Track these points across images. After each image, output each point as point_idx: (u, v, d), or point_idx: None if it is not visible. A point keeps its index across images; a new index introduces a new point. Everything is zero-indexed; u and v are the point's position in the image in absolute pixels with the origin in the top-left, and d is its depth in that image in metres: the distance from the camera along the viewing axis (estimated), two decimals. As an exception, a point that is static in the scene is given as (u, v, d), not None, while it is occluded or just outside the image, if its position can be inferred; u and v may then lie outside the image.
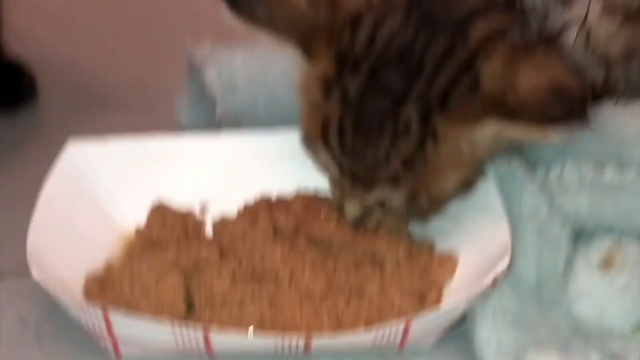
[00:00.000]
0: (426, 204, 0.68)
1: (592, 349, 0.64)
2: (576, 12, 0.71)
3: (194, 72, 0.85)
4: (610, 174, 0.73)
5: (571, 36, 0.71)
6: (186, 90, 0.87)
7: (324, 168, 0.69)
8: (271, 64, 0.83)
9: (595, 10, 0.71)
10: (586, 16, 0.71)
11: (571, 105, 0.60)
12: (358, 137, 0.65)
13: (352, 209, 0.69)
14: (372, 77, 0.64)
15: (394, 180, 0.66)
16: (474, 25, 0.64)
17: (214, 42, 0.85)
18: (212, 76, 0.83)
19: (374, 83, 0.64)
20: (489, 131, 0.63)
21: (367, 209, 0.69)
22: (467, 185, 0.69)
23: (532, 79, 0.61)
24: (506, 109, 0.61)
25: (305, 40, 0.65)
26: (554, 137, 0.62)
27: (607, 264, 0.70)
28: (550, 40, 0.68)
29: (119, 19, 1.15)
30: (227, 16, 0.66)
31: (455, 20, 0.64)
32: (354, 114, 0.64)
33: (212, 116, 0.82)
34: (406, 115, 0.63)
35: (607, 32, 0.72)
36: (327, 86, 0.65)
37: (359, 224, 0.71)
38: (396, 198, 0.67)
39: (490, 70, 0.62)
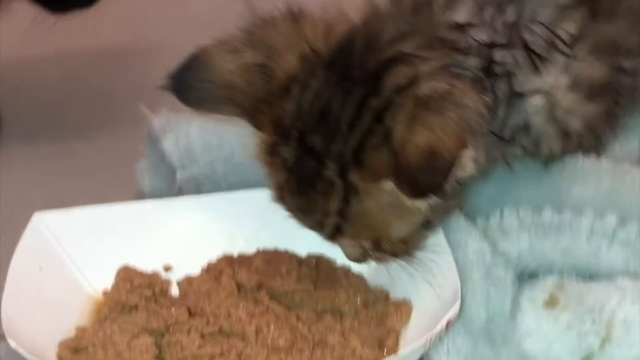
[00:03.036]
0: (397, 247, 0.71)
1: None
2: (545, 80, 0.73)
3: (153, 140, 0.88)
4: (548, 214, 0.77)
5: (537, 103, 0.73)
6: (146, 157, 0.89)
7: None
8: (227, 132, 0.86)
9: (562, 84, 0.73)
10: (554, 88, 0.73)
11: (435, 177, 0.62)
12: (302, 197, 0.69)
13: (351, 251, 0.73)
14: (301, 142, 0.67)
15: (340, 231, 0.69)
16: (389, 74, 0.65)
17: (170, 110, 0.88)
18: (169, 145, 0.86)
19: (303, 147, 0.67)
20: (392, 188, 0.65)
21: (364, 250, 0.72)
22: (430, 227, 0.72)
23: (418, 137, 0.62)
24: (397, 168, 0.63)
25: (250, 114, 0.69)
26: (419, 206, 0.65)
27: (551, 302, 0.73)
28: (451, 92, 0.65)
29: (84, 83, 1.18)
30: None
31: (371, 71, 0.66)
32: (294, 178, 0.68)
33: (172, 183, 0.85)
34: (328, 174, 0.67)
35: (571, 106, 0.74)
36: (270, 155, 0.69)
37: (361, 262, 0.74)
38: (365, 244, 0.71)
39: (399, 126, 0.64)
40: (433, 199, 0.64)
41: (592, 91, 0.74)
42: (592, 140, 0.80)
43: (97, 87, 1.17)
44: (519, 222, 0.78)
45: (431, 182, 0.62)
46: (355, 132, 0.66)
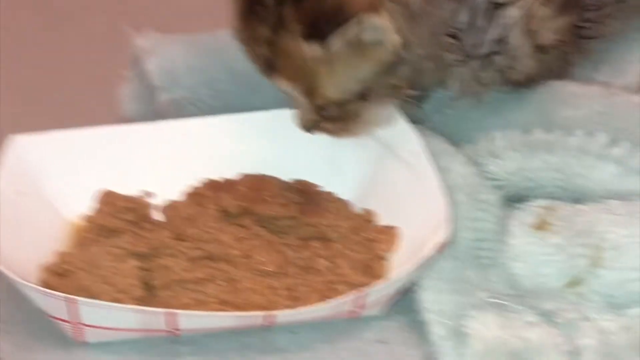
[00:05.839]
0: (340, 112, 0.73)
1: (527, 308, 0.68)
2: None
3: (136, 61, 0.85)
4: (538, 133, 0.77)
5: (515, 15, 0.73)
6: (130, 81, 0.87)
7: None
8: (212, 56, 0.84)
9: None
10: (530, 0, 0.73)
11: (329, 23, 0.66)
12: (245, 24, 0.71)
13: (301, 117, 0.74)
14: None
15: (271, 66, 0.71)
16: None
17: (154, 32, 0.85)
18: (152, 67, 0.84)
19: None
20: None
21: (316, 119, 0.74)
22: (368, 97, 0.73)
23: None
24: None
25: None
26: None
27: (541, 226, 0.73)
28: None
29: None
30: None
31: None
32: (241, 3, 0.71)
33: (154, 107, 0.83)
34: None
35: (544, 18, 0.75)
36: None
37: (310, 131, 0.76)
38: (299, 96, 0.72)
39: None
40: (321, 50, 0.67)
41: (563, 5, 0.75)
42: (562, 62, 0.80)
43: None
44: (507, 143, 0.77)
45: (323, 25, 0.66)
46: None
